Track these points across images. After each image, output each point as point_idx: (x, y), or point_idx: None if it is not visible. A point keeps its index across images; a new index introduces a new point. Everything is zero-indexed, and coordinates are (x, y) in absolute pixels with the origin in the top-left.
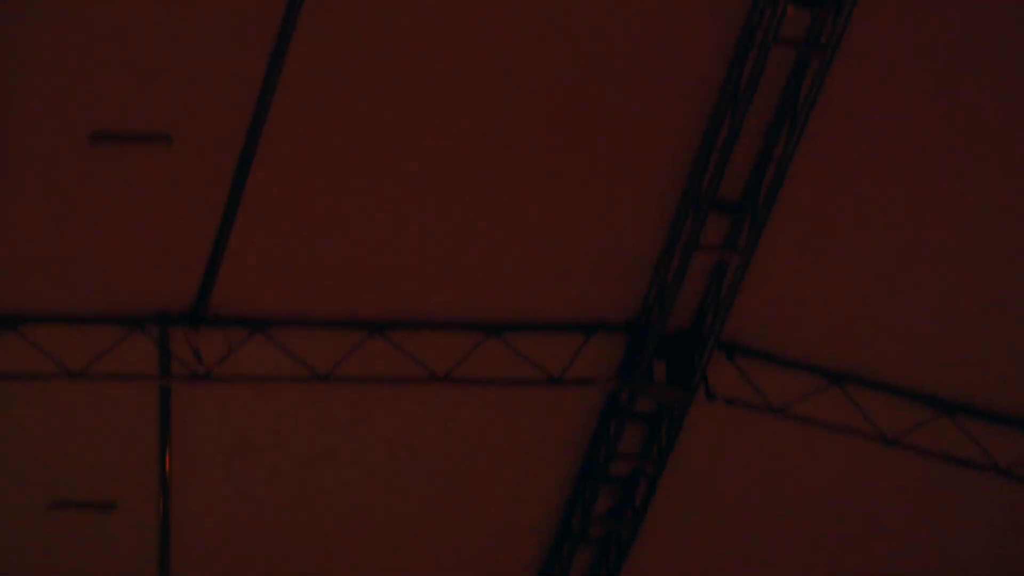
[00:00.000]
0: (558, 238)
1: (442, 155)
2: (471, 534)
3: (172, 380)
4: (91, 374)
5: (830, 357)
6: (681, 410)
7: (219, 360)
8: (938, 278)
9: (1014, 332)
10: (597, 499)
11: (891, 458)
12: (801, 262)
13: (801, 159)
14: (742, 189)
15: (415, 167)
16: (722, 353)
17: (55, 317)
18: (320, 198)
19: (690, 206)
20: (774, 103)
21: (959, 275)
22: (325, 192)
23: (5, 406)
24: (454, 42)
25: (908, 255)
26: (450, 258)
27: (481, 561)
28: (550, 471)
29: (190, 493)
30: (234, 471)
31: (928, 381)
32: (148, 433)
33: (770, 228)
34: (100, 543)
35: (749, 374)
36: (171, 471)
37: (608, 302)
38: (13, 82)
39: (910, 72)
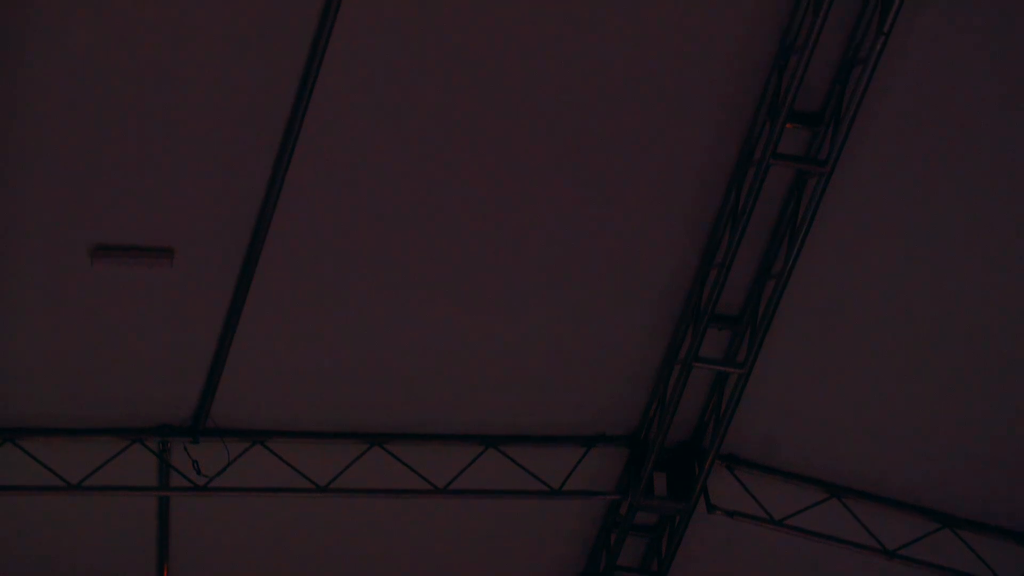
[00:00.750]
0: (559, 351)
1: (441, 270)
2: None
3: (171, 492)
4: (90, 486)
5: (830, 470)
6: (682, 522)
7: (218, 472)
8: (938, 393)
9: (1015, 447)
10: None
11: (891, 570)
12: (801, 375)
13: (800, 272)
14: (742, 302)
15: (414, 282)
16: (723, 465)
17: (54, 429)
18: (320, 311)
19: (690, 319)
20: (773, 218)
21: (960, 390)
22: (325, 305)
23: (4, 517)
24: (449, 159)
25: (909, 369)
26: (450, 371)
27: None
28: None
29: None
30: None
31: (928, 494)
32: (147, 544)
33: (770, 341)
34: None
35: (750, 486)
36: None
37: (608, 414)
38: (17, 195)
39: (906, 186)
